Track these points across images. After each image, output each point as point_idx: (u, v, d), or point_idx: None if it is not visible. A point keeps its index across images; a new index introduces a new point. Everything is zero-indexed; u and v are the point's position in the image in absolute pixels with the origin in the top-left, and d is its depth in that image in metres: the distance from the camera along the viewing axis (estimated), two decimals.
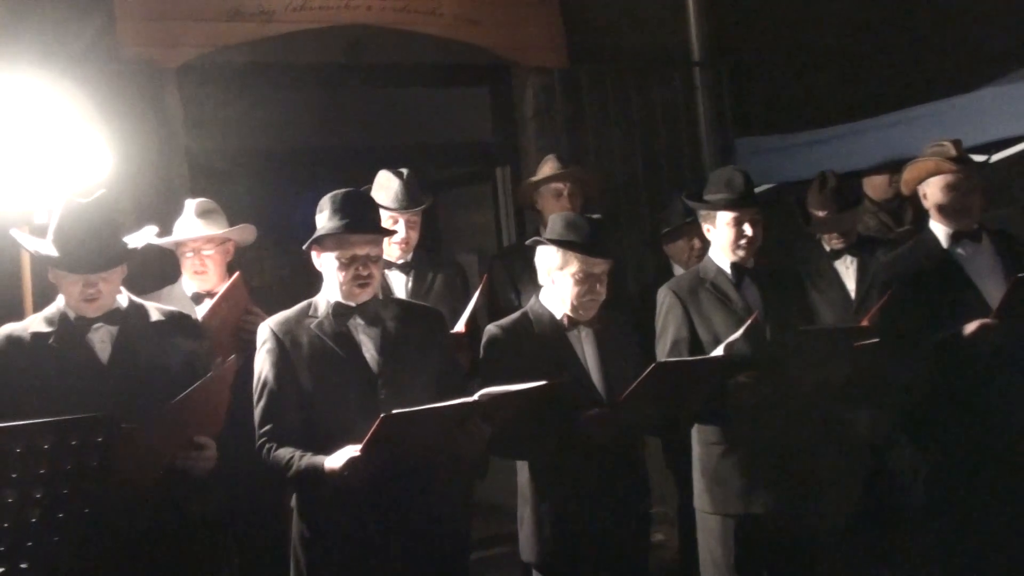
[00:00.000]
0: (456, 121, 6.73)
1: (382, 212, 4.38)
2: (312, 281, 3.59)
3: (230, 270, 4.40)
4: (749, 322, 3.85)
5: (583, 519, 3.64)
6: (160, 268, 4.68)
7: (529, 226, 5.89)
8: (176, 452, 3.21)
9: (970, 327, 4.08)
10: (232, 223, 4.49)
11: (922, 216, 5.28)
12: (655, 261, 5.73)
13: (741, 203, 4.08)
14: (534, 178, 5.24)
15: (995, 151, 5.22)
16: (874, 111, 5.91)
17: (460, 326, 4.16)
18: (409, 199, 4.53)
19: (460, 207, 7.34)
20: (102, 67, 5.23)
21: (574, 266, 3.61)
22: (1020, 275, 3.99)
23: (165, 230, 4.37)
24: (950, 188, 4.29)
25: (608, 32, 6.63)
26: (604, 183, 5.57)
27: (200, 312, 4.18)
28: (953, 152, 4.31)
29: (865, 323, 4.17)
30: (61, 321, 3.38)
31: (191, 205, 4.45)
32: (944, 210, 4.32)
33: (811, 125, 6.22)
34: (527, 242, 3.89)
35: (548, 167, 5.17)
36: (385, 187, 4.56)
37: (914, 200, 4.71)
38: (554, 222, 3.74)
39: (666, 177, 6.57)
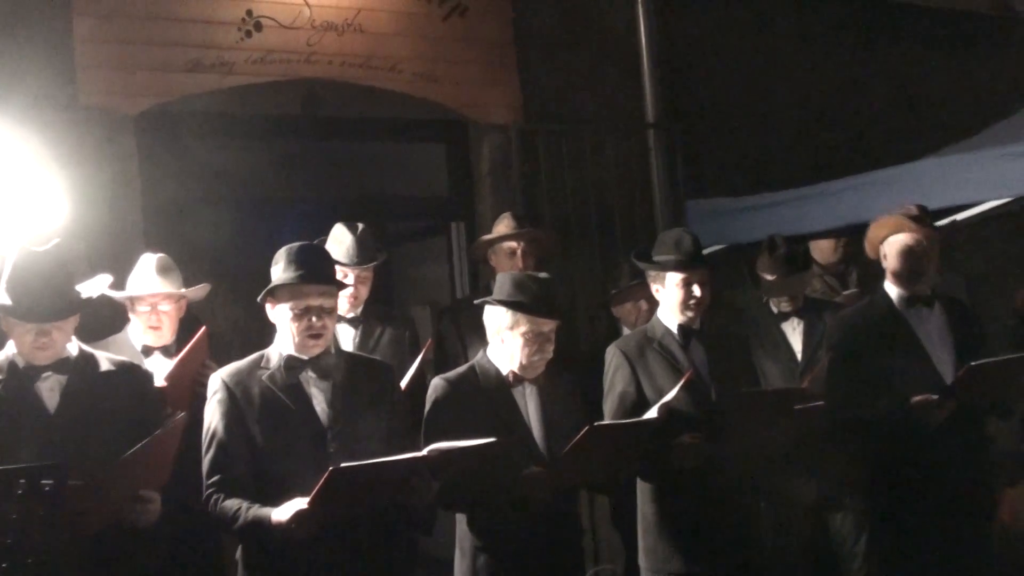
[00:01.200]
0: (412, 176, 6.78)
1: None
2: (266, 330, 3.60)
3: (192, 324, 4.40)
4: (683, 381, 3.89)
5: (518, 574, 3.64)
6: (103, 316, 4.65)
7: (483, 280, 5.93)
8: (122, 506, 3.20)
9: (918, 400, 4.16)
10: (187, 272, 4.49)
11: (868, 280, 5.39)
12: (607, 319, 5.79)
13: (690, 264, 4.13)
14: (488, 236, 5.28)
15: (937, 219, 5.34)
16: (823, 177, 6.03)
17: (402, 385, 4.18)
18: (361, 255, 4.56)
19: (415, 260, 7.38)
20: (60, 113, 5.23)
21: (523, 326, 3.65)
22: (973, 364, 4.07)
23: (119, 278, 4.36)
24: (908, 250, 4.36)
25: (564, 92, 6.73)
26: (559, 243, 5.61)
27: (150, 365, 4.17)
28: (915, 212, 4.39)
29: (806, 385, 4.24)
30: (10, 369, 3.37)
31: (150, 260, 4.42)
32: (900, 272, 4.39)
33: (761, 189, 6.34)
34: (476, 302, 3.92)
35: (503, 226, 5.21)
36: (339, 241, 4.59)
37: (860, 264, 4.81)
38: (502, 282, 3.76)
39: (619, 236, 6.65)
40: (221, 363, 3.60)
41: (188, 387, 4.09)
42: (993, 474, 4.73)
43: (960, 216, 5.67)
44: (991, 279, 7.54)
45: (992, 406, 4.51)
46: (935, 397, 4.15)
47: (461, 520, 3.75)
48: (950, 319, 4.43)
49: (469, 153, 6.65)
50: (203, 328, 4.25)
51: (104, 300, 4.37)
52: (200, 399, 3.64)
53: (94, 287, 3.56)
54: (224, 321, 5.63)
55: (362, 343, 4.52)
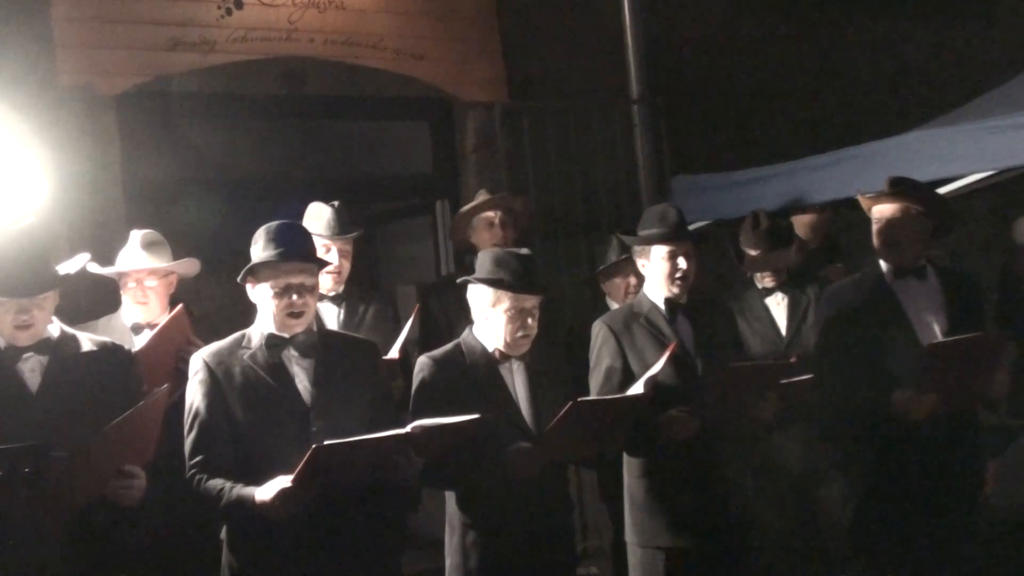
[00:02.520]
0: (397, 154, 6.76)
1: (315, 240, 4.40)
2: (249, 310, 3.58)
3: (172, 301, 4.38)
4: (667, 354, 3.91)
5: (508, 550, 3.64)
6: (97, 297, 4.64)
7: (468, 258, 5.92)
8: (105, 481, 3.18)
9: (899, 395, 4.11)
10: (173, 253, 4.47)
11: (850, 254, 5.39)
12: (593, 296, 5.79)
13: (674, 237, 4.14)
14: (463, 209, 5.28)
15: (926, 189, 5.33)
16: (807, 152, 6.03)
17: (394, 352, 4.18)
18: (341, 227, 4.56)
19: (400, 239, 7.36)
20: (39, 93, 5.20)
21: (505, 303, 3.64)
22: (931, 343, 4.05)
23: (100, 258, 4.34)
24: (884, 222, 4.33)
25: (549, 69, 6.71)
26: (534, 210, 5.60)
27: (139, 342, 4.16)
28: (887, 188, 4.38)
29: (794, 360, 4.24)
30: None
31: (136, 236, 4.41)
32: (878, 244, 4.37)
33: (746, 164, 6.34)
34: (458, 280, 3.91)
35: (478, 199, 5.22)
36: (317, 216, 4.58)
37: (843, 238, 4.80)
38: (483, 260, 3.76)
39: (605, 213, 6.65)
40: (207, 343, 3.58)
41: (166, 364, 4.05)
42: (980, 448, 4.75)
43: (945, 189, 5.66)
44: (976, 252, 7.57)
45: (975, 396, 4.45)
46: (909, 393, 4.11)
47: (451, 498, 3.75)
48: (945, 289, 4.38)
49: (453, 131, 6.64)
50: (180, 305, 4.22)
51: (98, 280, 4.36)
52: (185, 377, 3.62)
53: (73, 265, 3.54)
54: (208, 302, 5.61)
55: (346, 321, 4.51)
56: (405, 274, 7.26)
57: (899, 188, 4.38)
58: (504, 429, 3.60)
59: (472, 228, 5.19)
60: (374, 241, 7.27)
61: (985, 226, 7.74)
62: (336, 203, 4.62)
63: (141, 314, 4.37)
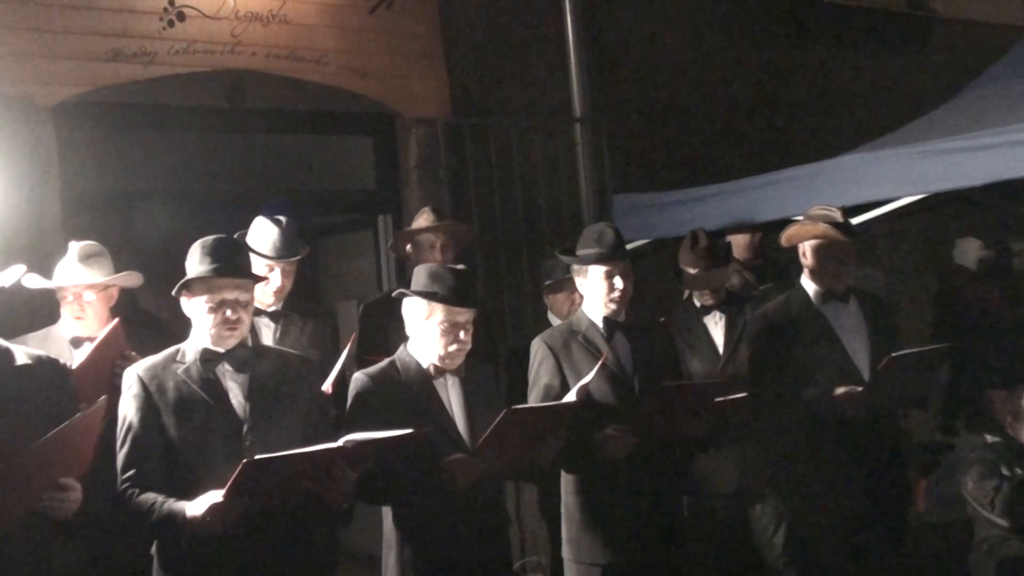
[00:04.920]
0: (339, 169, 6.75)
1: (259, 260, 4.39)
2: (187, 323, 3.56)
3: (113, 314, 4.32)
4: (598, 365, 3.96)
5: (445, 566, 3.65)
6: (33, 308, 4.57)
7: (409, 274, 5.91)
8: (40, 494, 3.14)
9: (840, 391, 4.26)
10: (110, 264, 4.40)
11: (783, 275, 5.49)
12: (533, 312, 5.82)
13: (611, 257, 4.18)
14: (407, 228, 5.28)
15: (854, 215, 5.45)
16: (746, 172, 6.12)
17: (327, 386, 4.17)
18: (286, 248, 4.53)
19: (341, 254, 7.34)
20: None
21: (439, 316, 3.65)
22: (893, 355, 4.19)
23: (37, 269, 4.28)
24: (831, 254, 4.48)
25: (491, 86, 6.74)
26: (477, 236, 5.62)
27: (79, 356, 4.11)
28: (839, 219, 4.50)
29: (725, 380, 4.31)
30: None
31: (74, 248, 4.32)
32: (821, 273, 4.51)
33: (686, 184, 6.41)
34: (393, 294, 3.91)
35: (423, 219, 5.20)
36: (262, 235, 4.55)
37: (774, 259, 4.87)
38: (418, 274, 3.77)
39: (546, 229, 6.69)
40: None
41: (103, 379, 4.01)
42: (908, 465, 4.86)
43: (876, 212, 5.79)
44: (908, 273, 7.72)
45: (909, 398, 4.65)
46: (859, 389, 4.25)
47: (388, 514, 3.75)
48: (865, 313, 4.56)
49: (396, 146, 6.64)
50: (115, 320, 4.17)
51: (35, 291, 4.30)
52: (119, 392, 3.58)
53: (8, 277, 3.49)
54: (145, 315, 5.54)
55: (282, 337, 4.49)
56: (346, 289, 7.24)
57: (849, 220, 4.51)
58: (439, 444, 3.61)
59: (413, 246, 5.18)
60: (316, 255, 7.24)
61: (917, 247, 7.90)
62: (283, 220, 4.60)
63: (80, 328, 4.30)
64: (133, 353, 4.04)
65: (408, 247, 5.22)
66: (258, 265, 4.38)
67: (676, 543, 4.23)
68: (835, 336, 4.47)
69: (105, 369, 4.06)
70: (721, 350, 5.05)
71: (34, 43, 5.37)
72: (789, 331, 4.49)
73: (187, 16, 5.75)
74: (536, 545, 6.13)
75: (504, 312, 6.30)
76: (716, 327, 5.10)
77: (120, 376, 3.84)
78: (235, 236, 3.89)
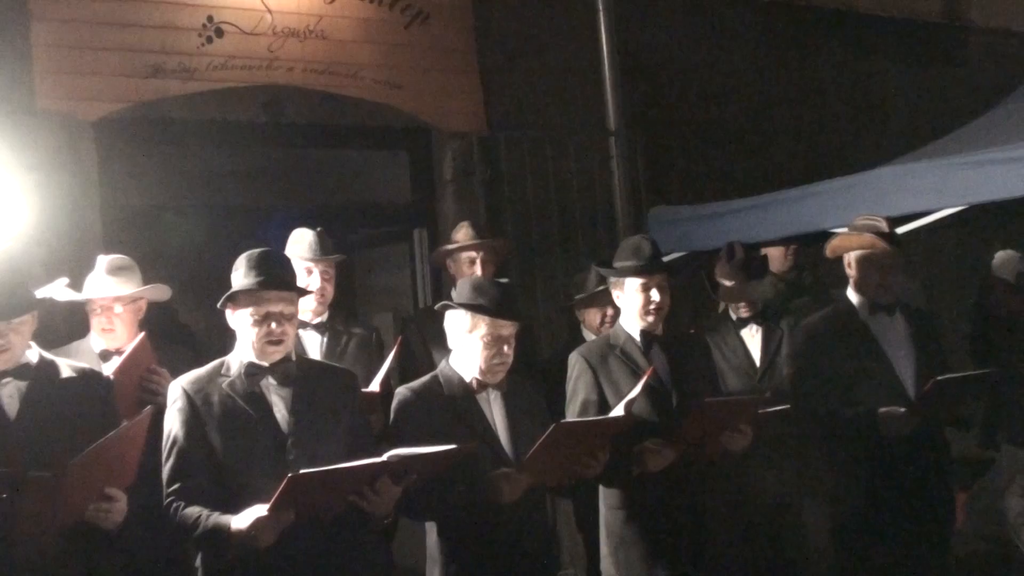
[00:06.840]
0: (375, 183, 6.79)
1: (298, 262, 4.41)
2: (227, 338, 3.59)
3: (142, 326, 4.35)
4: (644, 379, 3.95)
5: None
6: (74, 322, 4.62)
7: (445, 288, 5.93)
8: (87, 504, 3.17)
9: (883, 411, 4.23)
10: (146, 279, 4.43)
11: (819, 287, 5.46)
12: (568, 326, 5.82)
13: (648, 269, 4.18)
14: (447, 246, 5.29)
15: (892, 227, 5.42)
16: (781, 184, 6.10)
17: (375, 386, 4.17)
18: (323, 249, 4.57)
19: (377, 268, 7.37)
20: (18, 119, 5.19)
21: (482, 329, 3.66)
22: (939, 379, 4.17)
23: (77, 283, 4.33)
24: (876, 265, 4.45)
25: (526, 99, 6.77)
26: (515, 249, 5.63)
27: (107, 369, 4.12)
28: (886, 229, 4.47)
29: (768, 395, 4.29)
30: None
31: (102, 262, 4.35)
32: (867, 284, 4.48)
33: (722, 196, 6.40)
34: (436, 307, 3.92)
35: (462, 234, 5.21)
36: (299, 240, 4.60)
37: (812, 271, 4.85)
38: (462, 286, 3.78)
39: (581, 243, 6.70)
40: (178, 372, 3.57)
41: (130, 393, 4.02)
42: (953, 478, 4.82)
43: (914, 224, 5.75)
44: (946, 285, 7.66)
45: (952, 419, 4.59)
46: (901, 410, 4.22)
47: (432, 529, 3.74)
48: (911, 328, 4.52)
49: (431, 160, 6.67)
50: (142, 334, 4.18)
51: (74, 304, 4.34)
52: (146, 405, 3.61)
53: (51, 290, 3.52)
54: (184, 329, 5.59)
55: (329, 350, 4.50)
56: (381, 303, 7.26)
57: (892, 230, 4.48)
58: (483, 458, 3.61)
59: (452, 261, 5.20)
60: (352, 269, 7.28)
61: (954, 260, 7.84)
62: (319, 228, 4.64)
63: (108, 341, 4.32)
64: (161, 368, 4.07)
65: (448, 265, 5.25)
66: (298, 269, 4.40)
67: (715, 557, 4.19)
68: (880, 350, 4.44)
69: (132, 383, 4.08)
70: (758, 363, 5.02)
71: (76, 60, 5.45)
72: (834, 345, 4.46)
73: (225, 32, 5.82)
74: (572, 559, 6.11)
75: (539, 325, 6.30)
76: (752, 340, 5.08)
77: (150, 393, 3.89)
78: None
